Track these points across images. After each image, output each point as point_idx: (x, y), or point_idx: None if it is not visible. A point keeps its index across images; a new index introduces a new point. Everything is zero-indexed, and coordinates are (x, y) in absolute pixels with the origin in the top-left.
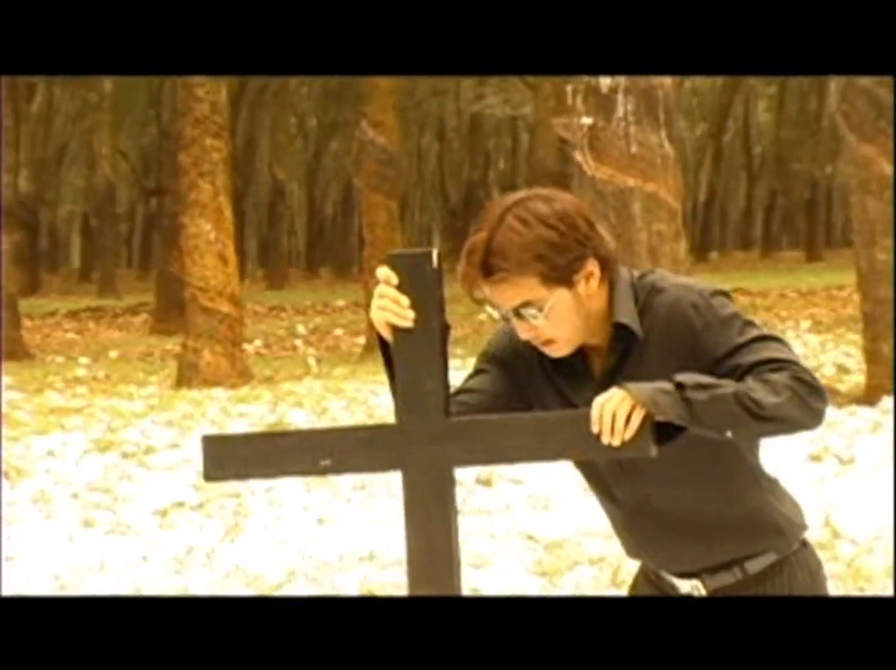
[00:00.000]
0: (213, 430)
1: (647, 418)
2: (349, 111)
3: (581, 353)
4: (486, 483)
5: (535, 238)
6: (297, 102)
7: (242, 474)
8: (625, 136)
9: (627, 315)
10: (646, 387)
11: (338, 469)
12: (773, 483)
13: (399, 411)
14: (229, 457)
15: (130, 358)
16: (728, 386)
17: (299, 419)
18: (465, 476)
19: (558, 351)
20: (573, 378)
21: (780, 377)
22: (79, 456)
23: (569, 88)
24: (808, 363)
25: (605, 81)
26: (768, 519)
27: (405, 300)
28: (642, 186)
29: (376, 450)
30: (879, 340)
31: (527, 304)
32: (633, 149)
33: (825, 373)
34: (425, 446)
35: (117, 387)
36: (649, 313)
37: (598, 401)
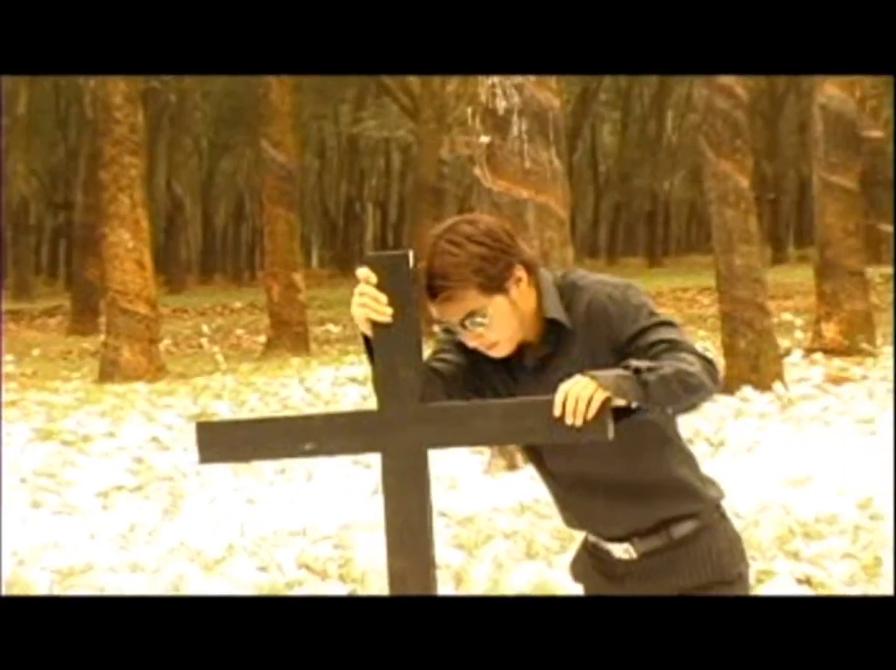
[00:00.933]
0: (143, 421)
1: (606, 402)
2: (239, 135)
3: (517, 348)
4: (510, 469)
5: (468, 256)
6: (192, 125)
7: (232, 457)
8: (519, 153)
9: (556, 310)
10: (608, 374)
11: (320, 452)
12: (690, 456)
13: (378, 397)
14: (220, 442)
15: (52, 356)
16: (664, 367)
17: (222, 409)
18: (372, 459)
19: (501, 351)
20: (513, 368)
21: (686, 355)
22: (23, 444)
23: (469, 110)
24: None
25: (501, 104)
26: (688, 486)
27: (383, 297)
28: (535, 198)
29: (356, 434)
30: (736, 335)
31: (471, 314)
32: (527, 164)
33: None
34: (402, 430)
35: (45, 383)
36: (574, 308)
37: (564, 387)
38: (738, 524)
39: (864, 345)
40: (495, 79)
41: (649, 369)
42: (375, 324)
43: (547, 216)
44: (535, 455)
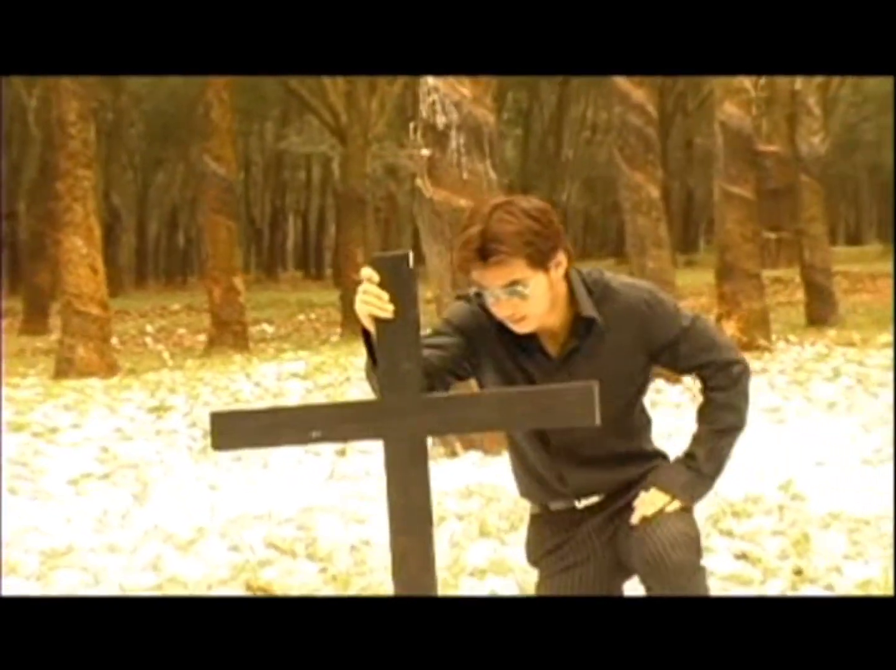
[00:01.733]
0: (106, 413)
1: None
2: (171, 150)
3: (535, 335)
4: (342, 453)
5: (524, 227)
6: (128, 141)
7: (245, 445)
8: (457, 165)
9: (590, 308)
10: (678, 483)
11: (327, 438)
12: (650, 422)
13: (381, 389)
14: (234, 430)
15: (7, 355)
16: (714, 427)
17: (178, 402)
18: (322, 448)
19: (527, 326)
20: (533, 355)
21: (737, 386)
22: None
23: (411, 125)
24: None
25: (441, 119)
26: (651, 451)
27: (385, 295)
28: (471, 206)
29: (360, 422)
30: None
31: (514, 283)
32: (465, 175)
33: None
34: (403, 418)
35: (5, 380)
36: (606, 307)
37: (646, 500)
38: None
39: (762, 341)
40: (435, 96)
41: (707, 454)
42: (378, 321)
43: None
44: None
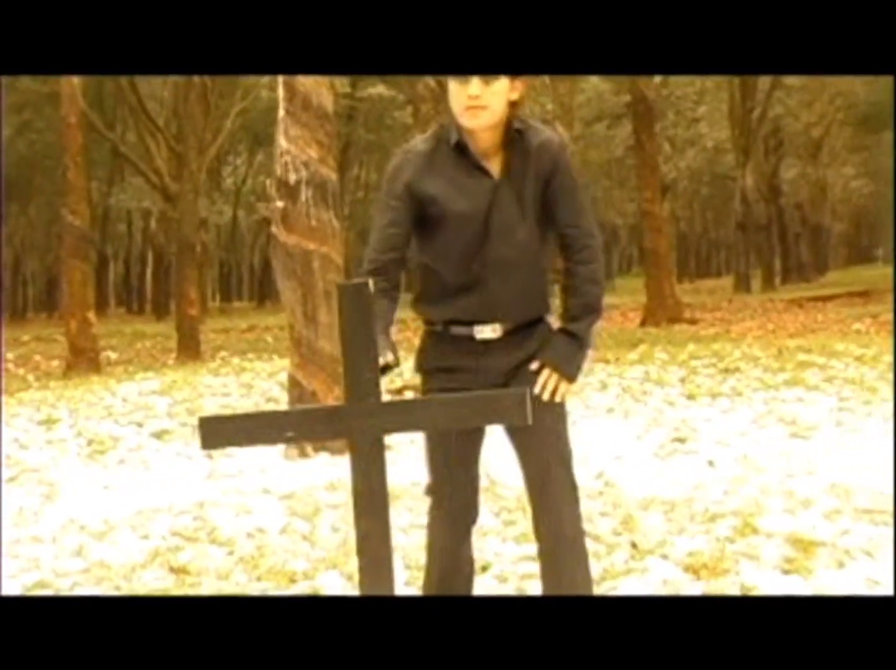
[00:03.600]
0: (3, 426)
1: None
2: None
3: (476, 159)
4: (209, 456)
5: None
6: None
7: (229, 444)
8: (307, 215)
9: (519, 125)
10: (565, 358)
11: (299, 438)
12: (549, 286)
13: (346, 394)
14: (219, 432)
15: None
16: (583, 300)
17: (63, 415)
18: (194, 452)
19: (481, 118)
20: (475, 175)
21: (593, 256)
22: None
23: (268, 181)
24: None
25: (292, 176)
26: (546, 305)
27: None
28: (319, 249)
29: (329, 423)
30: None
31: (492, 78)
32: (313, 223)
33: None
34: (364, 420)
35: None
36: (530, 136)
37: (541, 380)
38: (510, 493)
39: None
40: (287, 157)
41: (584, 320)
42: (343, 338)
43: (328, 263)
44: (471, 236)
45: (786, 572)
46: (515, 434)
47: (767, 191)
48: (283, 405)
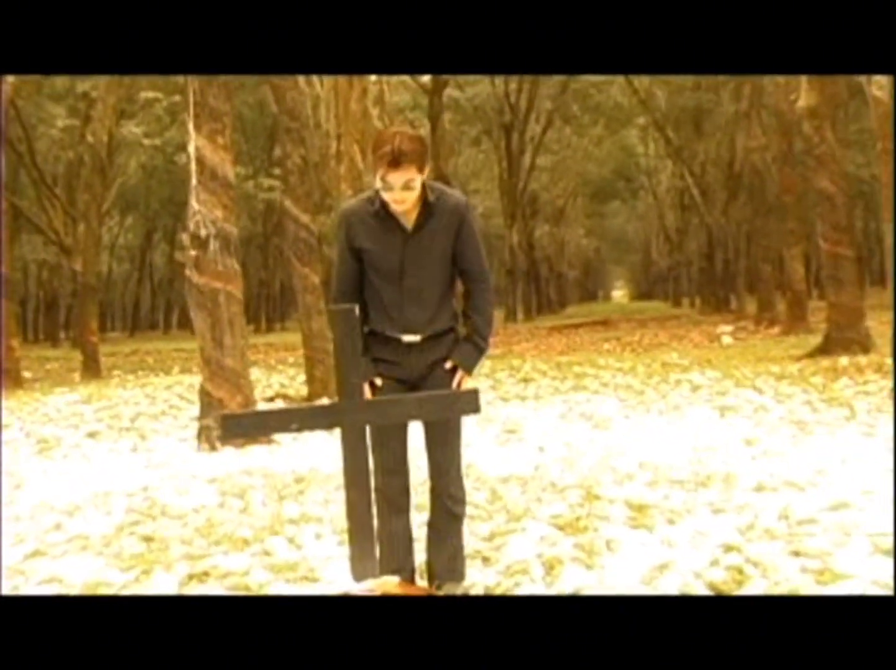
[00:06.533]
0: None
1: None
2: None
3: (396, 218)
4: (134, 449)
5: (422, 146)
6: None
7: (245, 435)
8: (214, 261)
9: (432, 198)
10: (470, 360)
11: (302, 429)
12: (453, 303)
13: (338, 394)
14: (240, 425)
15: None
16: (484, 321)
17: (13, 421)
18: (123, 446)
19: (405, 206)
20: (395, 230)
21: (487, 290)
22: None
23: (184, 236)
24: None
25: (203, 231)
26: (453, 315)
27: None
28: (224, 287)
29: (324, 417)
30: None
31: (409, 180)
32: (220, 267)
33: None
34: (352, 415)
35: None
36: (441, 201)
37: (457, 378)
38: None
39: None
40: (199, 216)
41: (483, 333)
42: (336, 352)
43: (231, 298)
44: (391, 273)
45: (633, 527)
46: (430, 428)
47: (527, 247)
48: (185, 411)
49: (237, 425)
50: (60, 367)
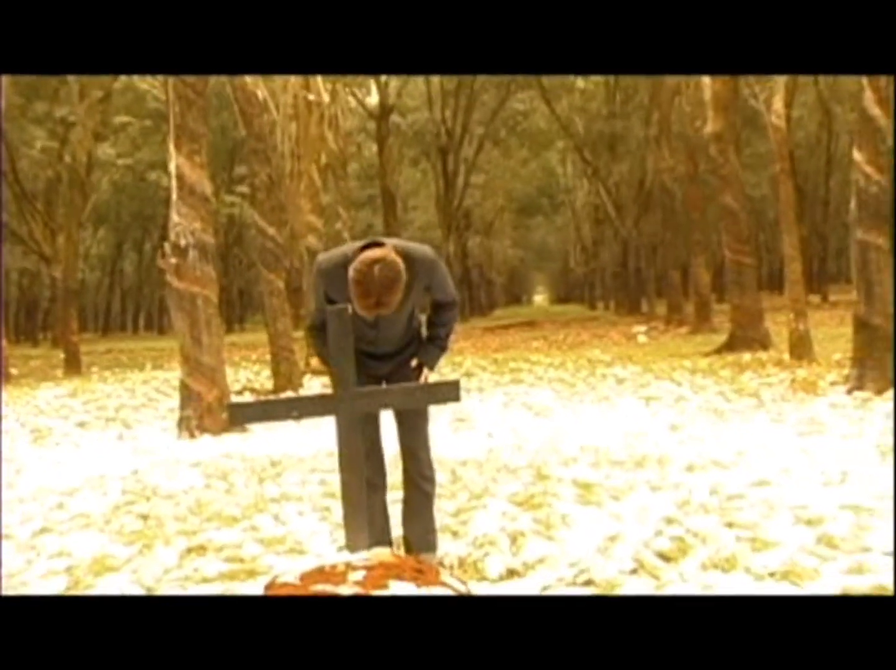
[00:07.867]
0: None
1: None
2: None
3: None
4: (120, 438)
5: (397, 288)
6: None
7: (251, 421)
8: (193, 268)
9: (405, 258)
10: (433, 358)
11: (302, 416)
12: (418, 319)
13: (334, 386)
14: (245, 412)
15: None
16: (447, 328)
17: (8, 412)
18: (109, 435)
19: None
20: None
21: (453, 310)
22: None
23: (166, 245)
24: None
25: (183, 241)
26: (418, 332)
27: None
28: (202, 292)
29: (322, 405)
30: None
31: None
32: (198, 273)
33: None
34: (347, 403)
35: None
36: (411, 267)
37: (424, 374)
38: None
39: None
40: (179, 227)
41: (446, 335)
42: (331, 347)
43: (208, 301)
44: (366, 324)
45: (583, 504)
46: (401, 416)
47: (461, 256)
48: (162, 403)
49: (243, 413)
50: (43, 365)
